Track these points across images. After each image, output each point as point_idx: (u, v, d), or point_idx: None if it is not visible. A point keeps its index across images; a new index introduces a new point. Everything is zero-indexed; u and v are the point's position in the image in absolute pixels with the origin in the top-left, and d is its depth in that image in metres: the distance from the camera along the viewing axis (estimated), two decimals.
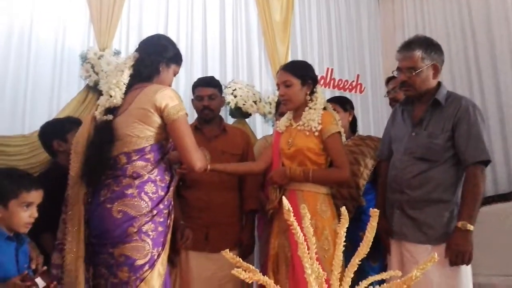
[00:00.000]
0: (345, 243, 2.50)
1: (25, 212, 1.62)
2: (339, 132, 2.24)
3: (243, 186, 2.64)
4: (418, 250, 2.06)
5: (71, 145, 2.20)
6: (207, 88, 2.64)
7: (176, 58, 2.05)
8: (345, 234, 2.23)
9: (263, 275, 1.07)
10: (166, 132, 1.85)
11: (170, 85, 2.04)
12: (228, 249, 1.10)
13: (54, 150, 2.40)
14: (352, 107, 2.82)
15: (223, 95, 3.32)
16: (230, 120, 3.49)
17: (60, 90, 2.95)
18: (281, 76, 2.30)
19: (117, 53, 3.05)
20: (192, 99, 2.72)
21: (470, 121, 2.04)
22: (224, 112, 3.45)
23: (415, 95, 2.15)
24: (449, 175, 2.08)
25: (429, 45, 2.10)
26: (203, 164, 1.89)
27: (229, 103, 3.33)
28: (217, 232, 2.48)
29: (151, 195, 1.78)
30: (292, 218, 1.11)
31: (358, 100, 4.33)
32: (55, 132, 2.39)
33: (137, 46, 2.05)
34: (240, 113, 3.39)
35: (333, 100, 2.77)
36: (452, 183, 2.08)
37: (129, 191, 1.75)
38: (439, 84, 2.17)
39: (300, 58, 4.06)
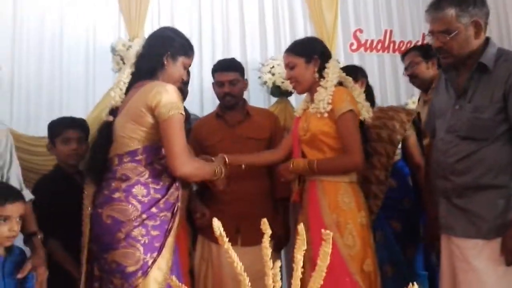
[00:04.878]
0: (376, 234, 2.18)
1: (3, 226, 1.58)
2: (351, 110, 1.95)
3: (273, 173, 2.42)
4: (468, 245, 1.72)
5: (61, 152, 2.27)
6: (228, 73, 2.44)
7: (184, 49, 1.87)
8: (369, 225, 1.99)
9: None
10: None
11: (181, 79, 1.90)
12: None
13: None
14: (364, 75, 2.48)
15: (261, 74, 3.14)
16: (272, 100, 3.28)
17: (94, 85, 2.98)
18: (284, 59, 2.11)
19: None
20: (213, 83, 2.55)
21: None
22: (265, 91, 3.26)
23: (456, 62, 1.76)
24: (502, 156, 1.68)
25: None
26: (192, 171, 1.73)
27: (266, 82, 3.10)
28: (248, 224, 2.29)
29: (140, 198, 1.68)
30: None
31: None
32: (50, 133, 2.33)
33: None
34: (280, 92, 3.14)
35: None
36: (508, 164, 1.68)
37: (116, 195, 1.67)
38: (487, 42, 1.74)
39: (352, 23, 3.71)
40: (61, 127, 2.29)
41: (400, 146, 2.31)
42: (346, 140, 1.95)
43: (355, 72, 2.45)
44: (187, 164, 1.69)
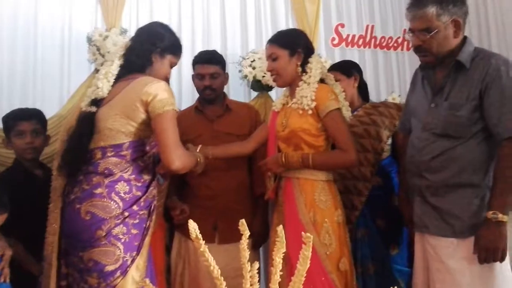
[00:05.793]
0: (359, 231, 2.16)
1: None
2: (339, 109, 1.93)
3: (252, 168, 2.40)
4: (442, 244, 1.73)
5: (16, 146, 2.17)
6: (209, 66, 2.38)
7: (173, 48, 1.91)
8: (345, 224, 1.98)
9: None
10: (151, 128, 1.72)
11: (166, 77, 1.91)
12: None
13: None
14: (358, 71, 2.45)
15: (241, 68, 3.10)
16: (253, 94, 3.24)
17: (69, 75, 2.89)
18: (266, 50, 2.04)
19: (124, 31, 2.90)
20: (192, 76, 2.49)
21: (502, 85, 1.63)
22: (245, 85, 3.22)
23: (435, 61, 1.76)
24: (477, 154, 1.70)
25: None
26: (184, 164, 1.71)
27: (246, 76, 3.06)
28: (226, 221, 2.27)
29: (122, 195, 1.65)
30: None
31: (405, 58, 3.85)
32: (4, 127, 2.20)
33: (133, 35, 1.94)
34: (260, 86, 3.11)
35: (334, 68, 2.44)
36: (482, 162, 1.70)
37: (98, 191, 1.63)
38: (464, 41, 1.75)
39: (334, 17, 3.67)
40: (14, 120, 2.18)
41: (390, 142, 2.31)
42: (339, 138, 1.92)
43: (349, 68, 2.44)
44: (181, 158, 1.69)
